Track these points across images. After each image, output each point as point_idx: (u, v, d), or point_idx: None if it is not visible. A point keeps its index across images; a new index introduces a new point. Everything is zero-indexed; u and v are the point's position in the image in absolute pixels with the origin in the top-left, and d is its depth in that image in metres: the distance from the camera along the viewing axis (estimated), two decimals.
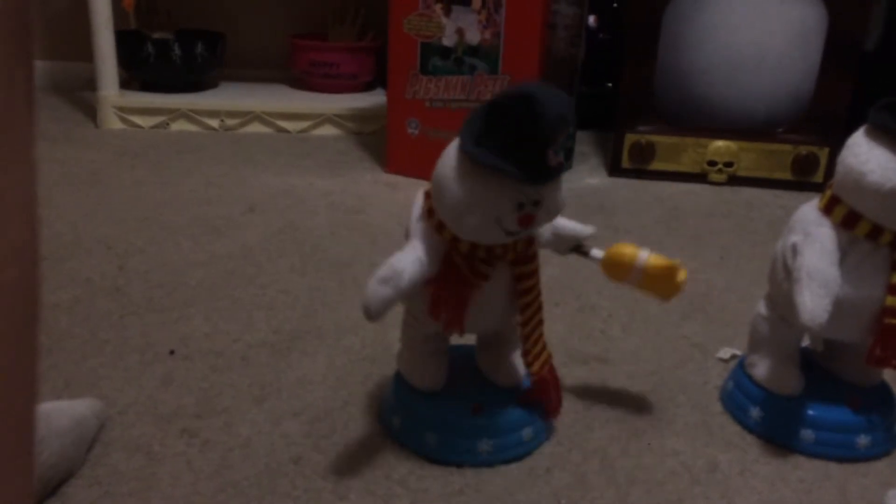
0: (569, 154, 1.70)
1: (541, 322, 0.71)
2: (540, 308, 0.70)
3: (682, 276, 0.71)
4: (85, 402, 0.71)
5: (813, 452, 0.74)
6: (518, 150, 0.58)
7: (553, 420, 0.75)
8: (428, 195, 0.66)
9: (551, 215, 0.64)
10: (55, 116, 1.84)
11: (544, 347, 0.71)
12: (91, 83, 1.82)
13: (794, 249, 0.71)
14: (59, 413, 0.66)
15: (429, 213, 0.66)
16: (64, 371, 0.81)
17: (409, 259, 0.64)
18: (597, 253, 0.74)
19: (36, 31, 0.34)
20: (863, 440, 0.73)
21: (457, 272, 0.65)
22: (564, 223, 0.73)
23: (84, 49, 1.79)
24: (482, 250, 0.65)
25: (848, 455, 0.73)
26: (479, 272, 0.65)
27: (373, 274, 0.63)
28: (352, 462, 0.70)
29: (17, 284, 0.33)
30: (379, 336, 0.91)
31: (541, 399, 0.72)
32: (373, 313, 0.63)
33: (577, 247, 0.75)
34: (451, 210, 0.62)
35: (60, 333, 0.88)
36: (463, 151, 0.60)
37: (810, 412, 0.74)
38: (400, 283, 0.63)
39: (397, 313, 0.76)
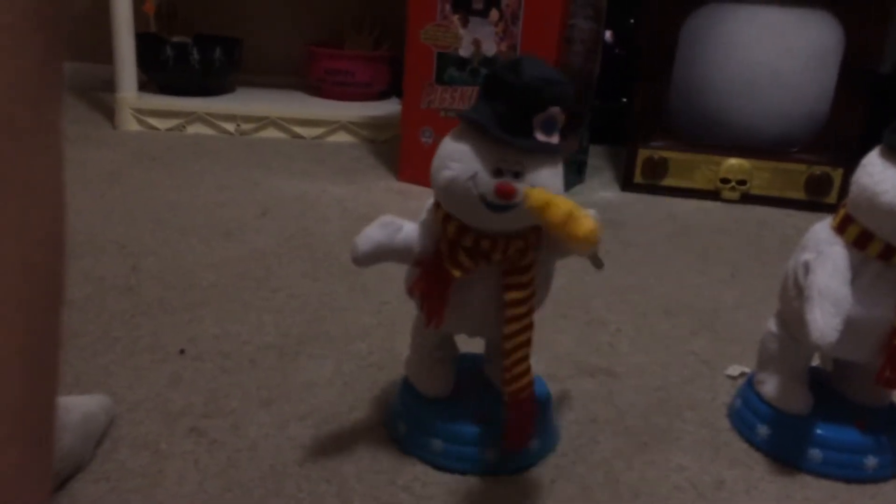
0: (582, 167, 1.70)
1: (527, 343, 0.65)
2: (528, 328, 0.65)
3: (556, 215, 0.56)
4: (94, 398, 0.72)
5: (820, 472, 0.73)
6: (502, 110, 0.59)
7: (513, 447, 0.69)
8: None
9: None
10: (73, 117, 1.86)
11: (527, 371, 0.66)
12: (109, 85, 1.84)
13: (806, 267, 0.71)
14: (69, 408, 0.66)
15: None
16: (75, 367, 0.81)
17: (409, 222, 0.66)
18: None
19: (67, 23, 0.35)
20: (871, 461, 0.73)
21: (440, 261, 0.64)
22: None
23: (103, 51, 1.81)
24: (469, 239, 0.62)
25: (855, 476, 0.73)
26: (458, 262, 0.63)
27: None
28: (357, 467, 0.70)
29: (45, 268, 0.33)
30: (387, 342, 0.92)
31: (509, 425, 0.67)
32: (358, 252, 0.64)
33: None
34: (435, 165, 0.63)
35: (72, 330, 0.89)
36: (458, 117, 0.62)
37: (818, 431, 0.74)
38: (395, 233, 0.65)
39: (406, 319, 0.76)
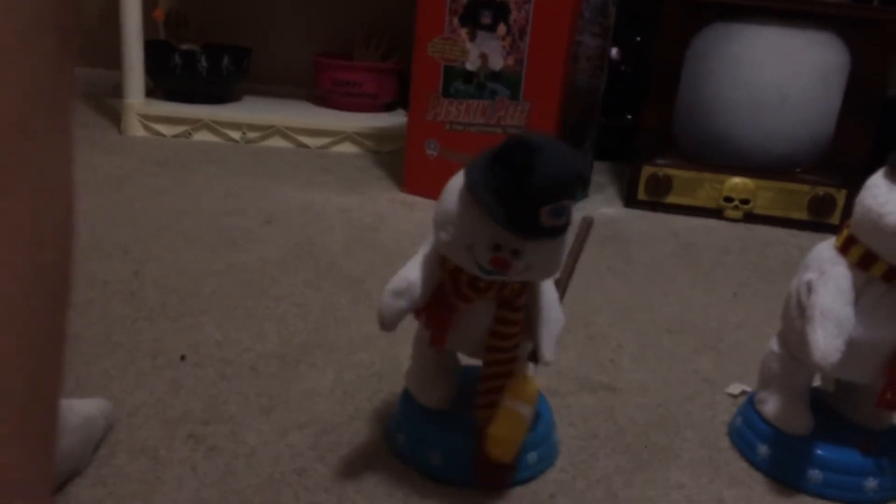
0: (586, 183, 1.70)
1: (507, 375, 0.66)
2: (511, 361, 0.67)
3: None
4: (94, 402, 0.72)
5: (820, 493, 0.73)
6: (510, 196, 0.58)
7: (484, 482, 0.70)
8: None
9: (535, 273, 0.62)
10: (79, 121, 1.87)
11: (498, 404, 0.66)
12: (117, 90, 1.85)
13: (809, 287, 0.71)
14: (69, 411, 0.66)
15: None
16: (75, 371, 0.81)
17: (417, 266, 0.66)
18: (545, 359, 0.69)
19: (79, 27, 0.36)
20: (871, 483, 0.73)
21: (443, 289, 0.66)
22: (543, 330, 0.68)
23: (111, 57, 1.82)
24: (465, 275, 0.64)
25: (855, 498, 0.73)
26: (461, 293, 0.65)
27: (386, 286, 0.66)
28: (355, 477, 0.70)
29: (54, 268, 0.34)
30: (388, 353, 0.92)
31: (482, 457, 0.66)
32: (388, 324, 0.66)
33: (533, 352, 0.70)
34: (436, 219, 0.63)
35: (74, 333, 0.88)
36: (465, 175, 0.61)
37: (819, 452, 0.74)
38: (414, 294, 0.65)
39: (408, 331, 0.76)
